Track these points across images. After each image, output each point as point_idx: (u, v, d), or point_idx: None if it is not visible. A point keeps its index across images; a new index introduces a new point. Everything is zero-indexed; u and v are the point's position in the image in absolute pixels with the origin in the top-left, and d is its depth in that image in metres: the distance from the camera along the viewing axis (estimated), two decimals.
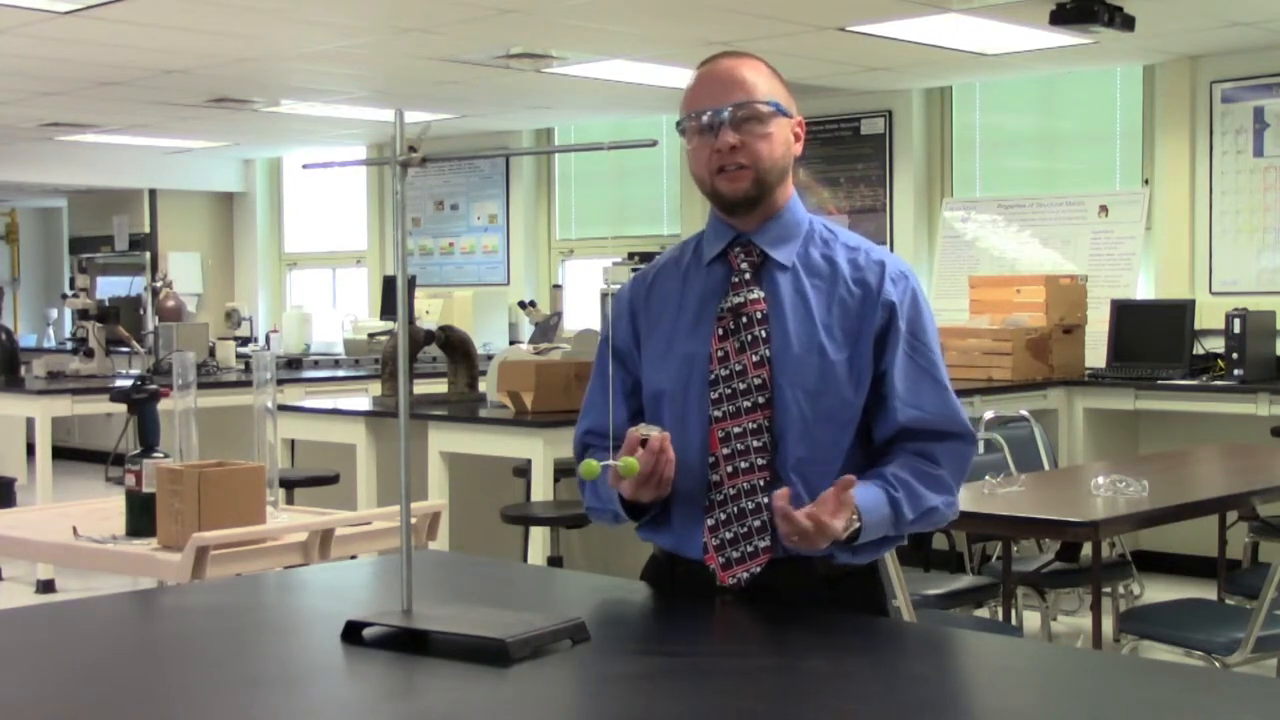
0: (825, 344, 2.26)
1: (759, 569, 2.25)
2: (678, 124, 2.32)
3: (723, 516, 2.26)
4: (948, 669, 2.03)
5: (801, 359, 2.25)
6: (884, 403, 2.27)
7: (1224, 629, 4.05)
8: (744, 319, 2.28)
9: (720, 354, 2.28)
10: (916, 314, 2.30)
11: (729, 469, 2.26)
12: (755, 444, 2.25)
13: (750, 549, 2.25)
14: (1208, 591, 5.70)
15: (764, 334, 2.27)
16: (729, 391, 2.26)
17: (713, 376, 2.27)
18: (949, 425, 2.29)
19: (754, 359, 2.26)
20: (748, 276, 2.30)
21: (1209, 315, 7.13)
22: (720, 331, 2.29)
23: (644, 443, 2.19)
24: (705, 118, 2.27)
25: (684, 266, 2.39)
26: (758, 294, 2.29)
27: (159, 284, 10.09)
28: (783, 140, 2.30)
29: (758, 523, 2.25)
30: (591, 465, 2.19)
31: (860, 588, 2.31)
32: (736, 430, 2.26)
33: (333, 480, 5.99)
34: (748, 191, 2.28)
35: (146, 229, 12.09)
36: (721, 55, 2.34)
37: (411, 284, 8.67)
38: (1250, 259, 7.32)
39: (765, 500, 2.23)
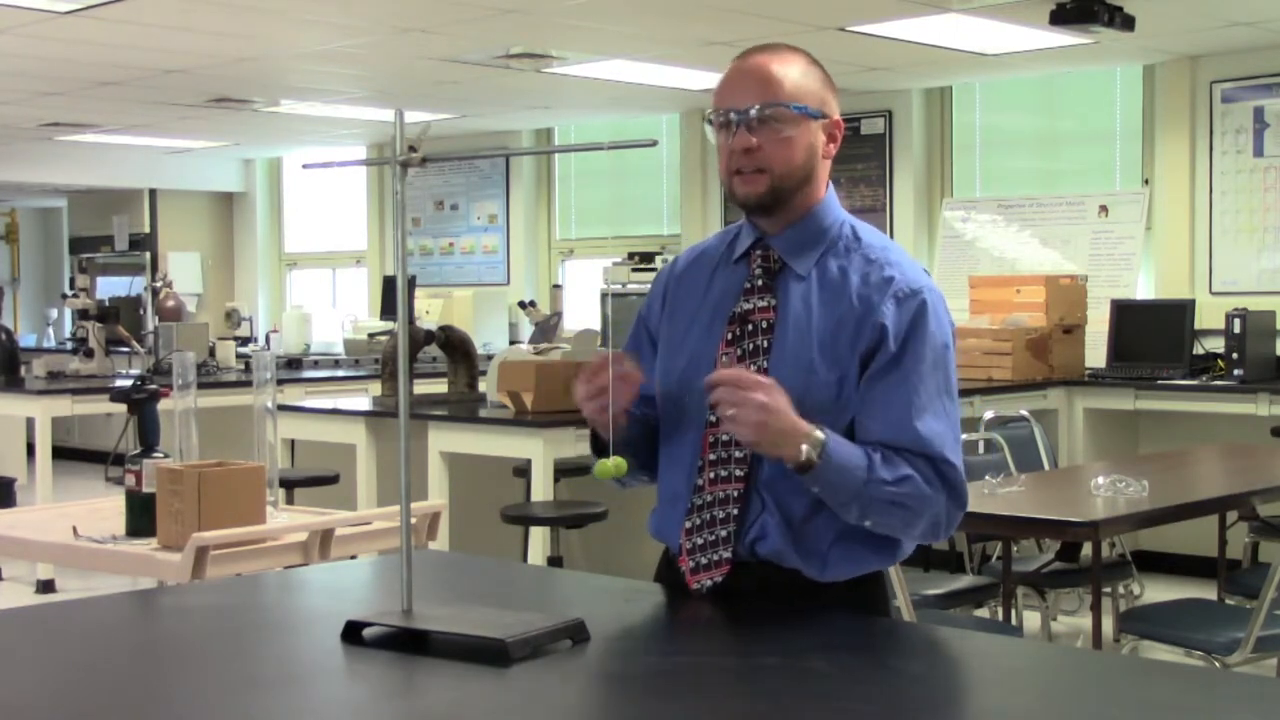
0: (817, 362, 2.20)
1: (721, 578, 2.24)
2: (705, 116, 2.28)
3: (698, 521, 2.26)
4: (948, 669, 2.03)
5: (791, 375, 2.18)
6: (859, 423, 2.19)
7: (1224, 629, 4.06)
8: (750, 326, 2.25)
9: (724, 359, 2.25)
10: (915, 336, 2.19)
11: (711, 475, 2.26)
12: (737, 454, 2.24)
13: (716, 557, 2.25)
14: (1208, 591, 5.69)
15: (765, 344, 2.24)
16: None
17: None
18: (922, 448, 2.17)
19: (752, 369, 2.22)
20: (760, 283, 2.27)
21: (1209, 315, 7.13)
22: (729, 336, 2.27)
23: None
24: (727, 116, 2.22)
25: (717, 259, 2.35)
26: (768, 302, 2.25)
27: (159, 284, 10.08)
28: (806, 144, 2.23)
29: (724, 533, 2.24)
30: (605, 465, 2.20)
31: (852, 595, 2.25)
32: (724, 438, 2.24)
33: (333, 480, 5.99)
34: (761, 196, 2.23)
35: (146, 229, 12.09)
36: (759, 49, 2.27)
37: (411, 284, 8.67)
38: (1250, 259, 7.32)
39: (735, 511, 2.24)
